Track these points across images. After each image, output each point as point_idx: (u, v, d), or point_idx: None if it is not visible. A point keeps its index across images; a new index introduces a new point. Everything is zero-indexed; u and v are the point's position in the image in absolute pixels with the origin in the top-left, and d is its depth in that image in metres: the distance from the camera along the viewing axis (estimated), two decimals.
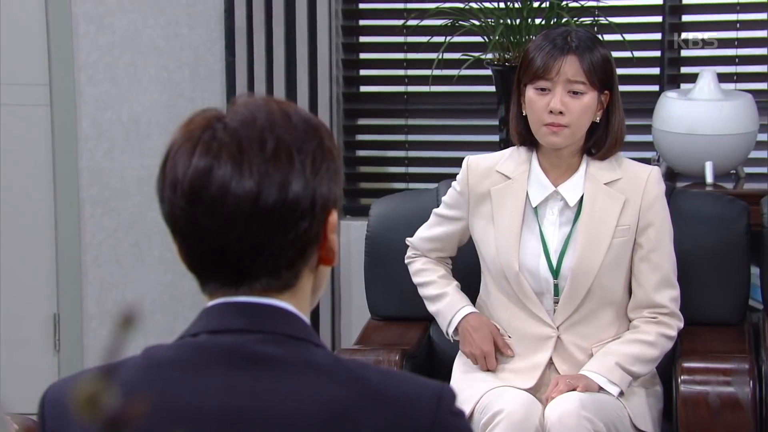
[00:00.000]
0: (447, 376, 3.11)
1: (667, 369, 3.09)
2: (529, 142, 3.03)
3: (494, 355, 3.04)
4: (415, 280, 3.20)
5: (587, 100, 2.95)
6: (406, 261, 3.22)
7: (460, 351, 3.13)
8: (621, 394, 2.94)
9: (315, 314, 4.11)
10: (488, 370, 3.04)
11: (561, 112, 2.92)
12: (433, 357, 3.36)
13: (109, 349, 1.03)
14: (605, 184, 3.01)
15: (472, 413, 2.93)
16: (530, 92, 2.97)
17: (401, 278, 3.28)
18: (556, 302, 3.01)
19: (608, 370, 2.94)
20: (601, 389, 2.92)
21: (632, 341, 2.99)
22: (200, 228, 1.45)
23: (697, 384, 3.00)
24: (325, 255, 1.50)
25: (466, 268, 3.18)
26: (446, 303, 3.13)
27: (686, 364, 3.04)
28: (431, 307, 3.17)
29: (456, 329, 3.11)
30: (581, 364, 2.99)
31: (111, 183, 4.28)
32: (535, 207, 3.02)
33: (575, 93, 2.93)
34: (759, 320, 3.39)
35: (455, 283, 3.17)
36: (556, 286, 3.00)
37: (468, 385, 3.01)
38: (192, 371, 1.45)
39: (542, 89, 2.94)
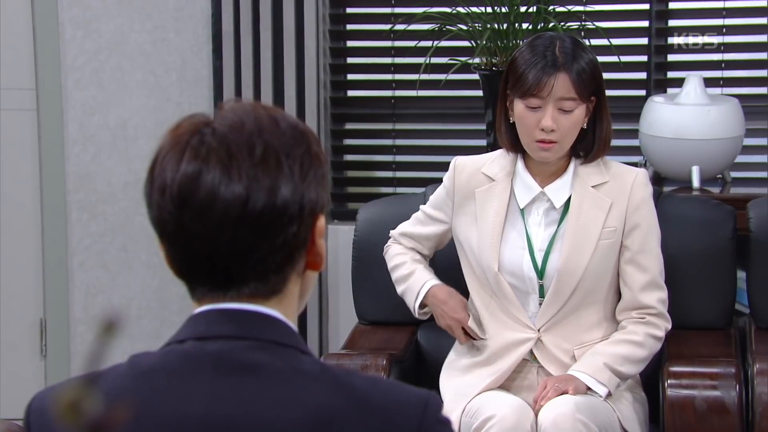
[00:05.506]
0: (435, 380, 3.11)
1: (653, 373, 3.10)
2: (520, 148, 3.03)
3: (468, 322, 3.06)
4: (389, 264, 3.21)
5: (577, 114, 2.95)
6: (384, 250, 3.23)
7: (447, 360, 3.14)
8: (609, 395, 2.94)
9: (302, 319, 4.10)
10: (473, 339, 3.05)
11: (552, 130, 2.93)
12: (421, 362, 3.35)
13: (91, 354, 1.03)
14: (592, 187, 3.02)
15: (459, 418, 2.94)
16: (519, 107, 2.96)
17: (389, 283, 3.28)
18: (541, 303, 3.01)
19: (596, 371, 2.94)
20: (589, 389, 2.93)
21: (620, 341, 2.99)
22: (189, 233, 1.44)
23: (683, 388, 3.01)
24: (313, 260, 1.50)
25: (450, 267, 3.18)
26: (412, 280, 3.15)
27: (673, 368, 3.05)
28: (399, 288, 3.18)
29: (422, 304, 3.12)
30: (565, 364, 2.99)
31: (98, 187, 4.27)
32: (522, 208, 3.02)
33: (565, 110, 2.94)
34: (745, 324, 3.39)
35: (426, 264, 3.18)
36: (541, 286, 3.01)
37: (455, 391, 3.01)
38: (178, 378, 1.45)
39: (533, 107, 2.94)
